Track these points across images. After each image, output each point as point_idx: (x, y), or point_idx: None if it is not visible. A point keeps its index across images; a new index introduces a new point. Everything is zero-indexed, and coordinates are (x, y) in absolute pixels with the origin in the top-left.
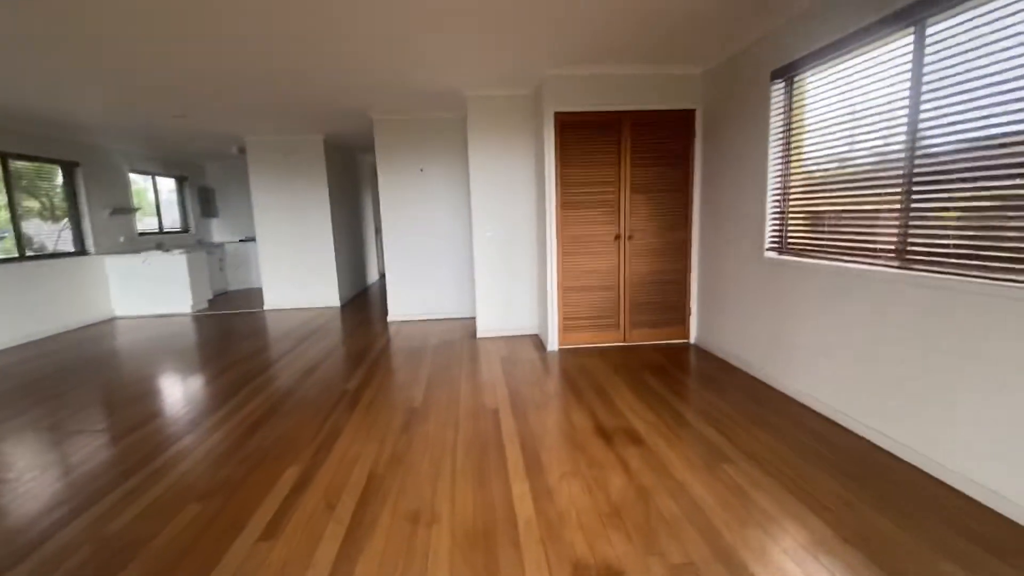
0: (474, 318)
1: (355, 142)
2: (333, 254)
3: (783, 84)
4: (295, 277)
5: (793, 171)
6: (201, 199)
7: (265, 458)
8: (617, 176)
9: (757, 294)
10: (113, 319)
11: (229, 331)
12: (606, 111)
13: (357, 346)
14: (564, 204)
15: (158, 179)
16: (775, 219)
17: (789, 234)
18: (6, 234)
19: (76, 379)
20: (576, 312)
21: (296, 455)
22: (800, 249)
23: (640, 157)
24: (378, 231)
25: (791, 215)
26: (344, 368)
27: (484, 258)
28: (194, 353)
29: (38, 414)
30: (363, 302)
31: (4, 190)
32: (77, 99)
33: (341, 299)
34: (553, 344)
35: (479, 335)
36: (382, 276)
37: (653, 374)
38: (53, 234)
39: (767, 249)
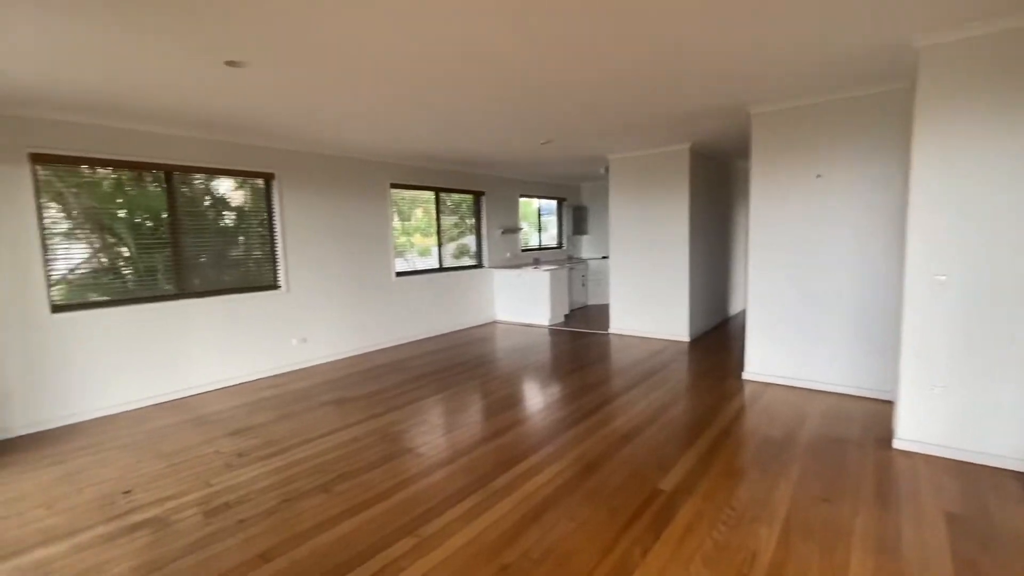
0: (890, 404)
1: (729, 147)
2: (687, 281)
3: None
4: (642, 302)
5: None
6: (575, 218)
7: None
8: None
9: None
10: (494, 323)
11: (571, 353)
12: None
13: (695, 410)
14: None
15: (542, 201)
16: None
17: None
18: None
19: (437, 381)
20: None
21: None
22: None
23: None
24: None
25: None
26: (669, 445)
27: (926, 315)
28: (537, 373)
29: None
30: (717, 340)
31: (436, 216)
32: (475, 142)
33: (691, 333)
34: None
35: (898, 442)
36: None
37: None
38: (462, 250)
39: None
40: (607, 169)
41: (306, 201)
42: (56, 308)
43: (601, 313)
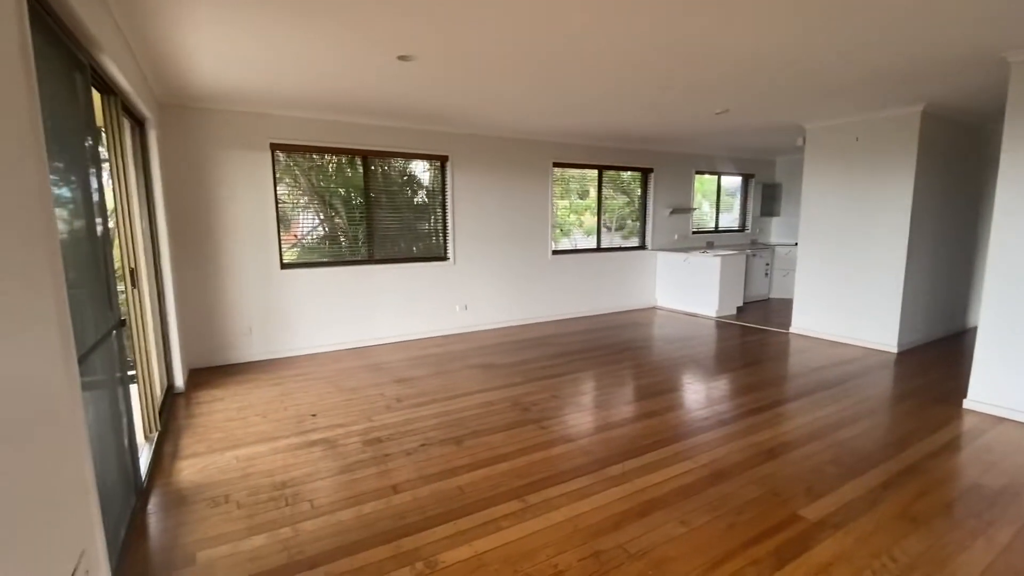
0: None
1: (983, 107)
2: (901, 278)
3: None
4: (836, 299)
5: None
6: (765, 197)
7: None
8: None
9: None
10: (654, 308)
11: (736, 350)
12: None
13: (881, 435)
14: None
15: (724, 178)
16: None
17: None
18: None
19: (580, 360)
20: None
21: None
22: None
23: None
24: None
25: None
26: (828, 469)
27: None
28: (689, 366)
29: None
30: (938, 356)
31: (597, 194)
32: (634, 116)
33: (900, 343)
34: None
35: None
36: None
37: None
38: (629, 230)
39: None
40: (804, 140)
41: (474, 180)
42: (284, 265)
43: (784, 308)
